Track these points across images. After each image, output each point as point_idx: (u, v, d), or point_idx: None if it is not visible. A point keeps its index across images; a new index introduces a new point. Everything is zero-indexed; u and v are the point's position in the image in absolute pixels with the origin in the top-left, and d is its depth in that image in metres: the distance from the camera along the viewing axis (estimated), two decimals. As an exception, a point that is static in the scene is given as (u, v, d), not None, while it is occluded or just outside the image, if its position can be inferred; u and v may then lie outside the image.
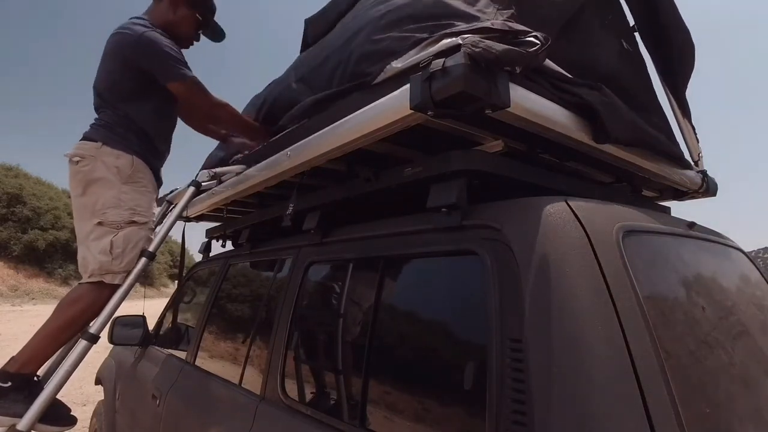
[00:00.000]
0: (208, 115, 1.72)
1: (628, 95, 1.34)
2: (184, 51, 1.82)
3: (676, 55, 1.56)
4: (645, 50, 1.59)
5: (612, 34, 1.44)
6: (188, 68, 1.67)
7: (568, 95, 1.03)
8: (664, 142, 1.36)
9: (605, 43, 1.39)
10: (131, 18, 1.71)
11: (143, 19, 1.72)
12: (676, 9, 1.53)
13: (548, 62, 1.02)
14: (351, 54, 1.22)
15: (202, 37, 1.97)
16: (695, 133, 1.69)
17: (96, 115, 1.71)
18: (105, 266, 1.52)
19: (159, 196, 1.88)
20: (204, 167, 2.14)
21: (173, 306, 2.45)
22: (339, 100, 1.23)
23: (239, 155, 1.86)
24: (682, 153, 1.52)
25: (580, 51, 1.29)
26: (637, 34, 1.57)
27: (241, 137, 1.87)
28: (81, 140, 1.65)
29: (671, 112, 1.64)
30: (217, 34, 1.98)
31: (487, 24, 0.92)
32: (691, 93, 1.70)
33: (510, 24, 0.92)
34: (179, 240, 2.51)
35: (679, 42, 1.54)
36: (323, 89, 1.33)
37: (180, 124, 2.11)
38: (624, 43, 1.48)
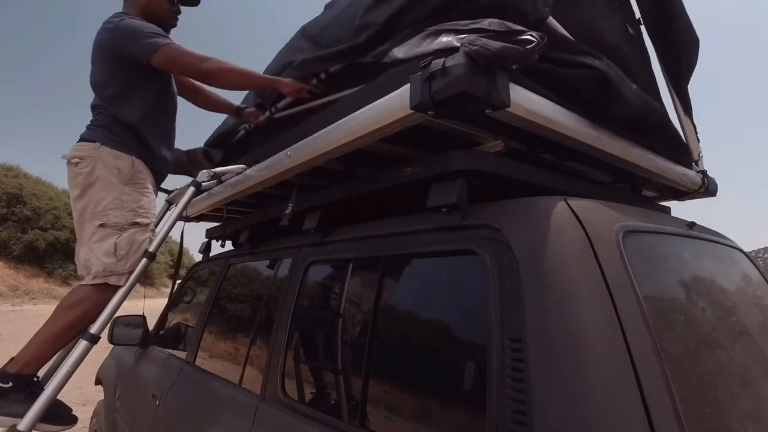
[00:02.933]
0: (200, 73, 1.63)
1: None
2: (174, 31, 1.84)
3: (682, 48, 1.57)
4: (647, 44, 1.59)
5: (618, 19, 1.44)
6: (167, 37, 1.64)
7: (574, 67, 1.03)
8: (670, 124, 1.37)
9: (611, 27, 1.39)
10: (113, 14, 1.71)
11: (121, 12, 1.72)
12: (682, 2, 1.54)
13: (553, 23, 1.03)
14: (358, 10, 1.25)
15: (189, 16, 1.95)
16: (696, 132, 1.69)
17: (92, 116, 1.71)
18: (110, 268, 1.51)
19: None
20: (207, 144, 2.14)
21: (170, 306, 2.45)
22: (341, 62, 1.27)
23: (245, 126, 1.86)
24: (684, 142, 1.52)
25: (585, 32, 1.29)
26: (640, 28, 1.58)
27: (244, 87, 1.81)
28: (79, 141, 1.64)
29: (673, 108, 1.64)
30: None
31: (485, 24, 0.92)
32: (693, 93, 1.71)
33: (507, 23, 0.92)
34: (179, 240, 2.51)
35: (684, 35, 1.55)
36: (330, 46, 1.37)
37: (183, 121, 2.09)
38: (629, 30, 1.48)
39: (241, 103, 2.07)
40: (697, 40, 1.59)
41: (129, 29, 1.61)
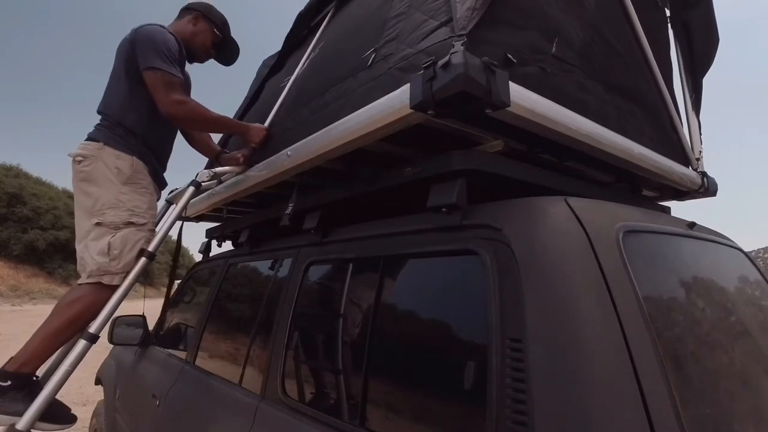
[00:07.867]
0: (167, 113, 1.63)
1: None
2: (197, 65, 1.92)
3: (708, 45, 1.61)
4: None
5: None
6: (174, 65, 1.64)
7: None
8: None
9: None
10: None
11: (158, 24, 1.75)
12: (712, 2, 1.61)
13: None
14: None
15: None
16: (700, 131, 1.69)
17: (101, 116, 1.73)
18: (103, 267, 1.52)
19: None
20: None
21: (168, 305, 2.45)
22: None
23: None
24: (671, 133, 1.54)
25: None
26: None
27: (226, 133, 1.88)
28: (85, 140, 1.68)
29: (683, 104, 1.66)
30: (230, 56, 2.04)
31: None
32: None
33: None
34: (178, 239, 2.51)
35: (710, 32, 1.60)
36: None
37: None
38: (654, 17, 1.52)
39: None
40: (718, 39, 1.63)
41: (150, 35, 1.64)
